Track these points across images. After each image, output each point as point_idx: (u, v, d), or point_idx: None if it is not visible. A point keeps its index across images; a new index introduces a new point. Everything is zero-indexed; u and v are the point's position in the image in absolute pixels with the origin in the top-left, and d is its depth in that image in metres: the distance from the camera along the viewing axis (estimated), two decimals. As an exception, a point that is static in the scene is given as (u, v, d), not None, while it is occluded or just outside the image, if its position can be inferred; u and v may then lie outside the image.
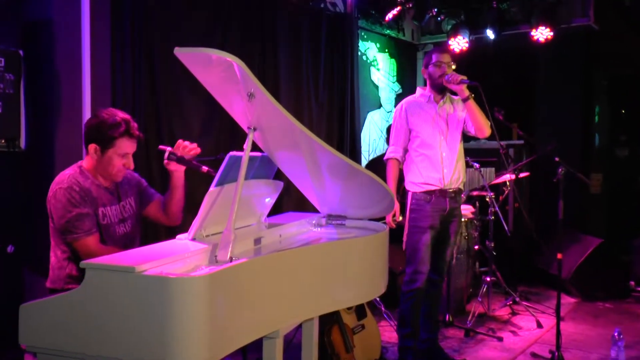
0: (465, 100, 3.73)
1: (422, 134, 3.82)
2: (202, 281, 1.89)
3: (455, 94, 3.85)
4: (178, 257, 2.16)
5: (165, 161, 2.83)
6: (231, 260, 2.20)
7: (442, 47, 4.37)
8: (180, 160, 2.83)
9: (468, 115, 3.81)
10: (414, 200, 3.85)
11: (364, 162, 6.33)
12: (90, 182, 2.73)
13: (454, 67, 3.86)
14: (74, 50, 3.66)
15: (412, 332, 3.87)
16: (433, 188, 3.80)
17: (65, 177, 2.69)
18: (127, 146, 2.74)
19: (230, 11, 4.67)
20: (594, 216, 6.90)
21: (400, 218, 4.39)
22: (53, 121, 3.71)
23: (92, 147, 2.72)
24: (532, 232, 5.73)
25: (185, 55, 2.18)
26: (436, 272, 3.93)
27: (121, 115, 2.74)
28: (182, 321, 1.86)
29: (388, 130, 5.41)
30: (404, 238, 3.87)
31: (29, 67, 3.60)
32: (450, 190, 3.85)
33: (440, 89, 3.84)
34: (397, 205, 3.55)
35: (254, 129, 2.49)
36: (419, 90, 4.01)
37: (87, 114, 3.64)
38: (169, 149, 2.84)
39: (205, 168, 2.83)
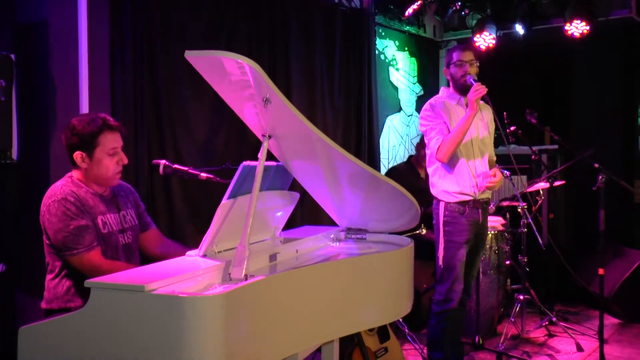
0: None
1: None
2: (217, 300, 1.94)
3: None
4: (189, 275, 2.20)
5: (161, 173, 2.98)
6: (246, 278, 2.24)
7: (464, 45, 4.46)
8: (176, 171, 2.98)
9: None
10: (447, 211, 3.87)
11: (383, 170, 6.38)
12: (85, 190, 2.78)
13: (477, 65, 3.90)
14: (70, 54, 3.72)
15: (445, 357, 3.87)
16: (467, 198, 3.86)
17: (57, 189, 2.73)
18: (111, 140, 2.80)
19: (238, 7, 4.74)
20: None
21: (424, 231, 4.46)
22: (48, 131, 3.74)
23: (78, 155, 2.77)
24: (570, 245, 5.72)
25: (196, 59, 2.25)
26: (464, 290, 3.97)
27: (92, 114, 2.84)
28: (195, 343, 1.90)
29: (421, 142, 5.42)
30: (439, 254, 3.87)
31: (21, 73, 3.62)
32: (482, 200, 3.92)
33: (464, 90, 3.88)
34: None
35: (269, 137, 2.56)
36: (444, 90, 4.05)
37: (84, 123, 3.71)
38: (163, 162, 3.01)
39: (204, 175, 2.95)
